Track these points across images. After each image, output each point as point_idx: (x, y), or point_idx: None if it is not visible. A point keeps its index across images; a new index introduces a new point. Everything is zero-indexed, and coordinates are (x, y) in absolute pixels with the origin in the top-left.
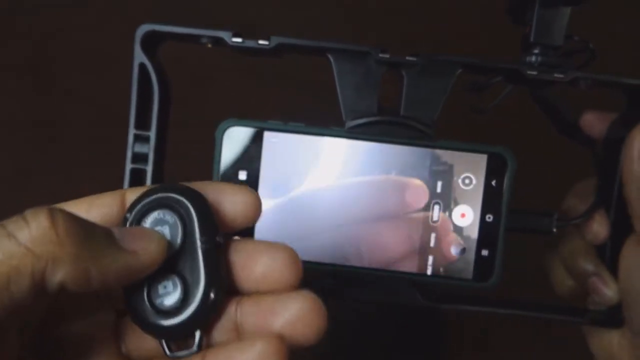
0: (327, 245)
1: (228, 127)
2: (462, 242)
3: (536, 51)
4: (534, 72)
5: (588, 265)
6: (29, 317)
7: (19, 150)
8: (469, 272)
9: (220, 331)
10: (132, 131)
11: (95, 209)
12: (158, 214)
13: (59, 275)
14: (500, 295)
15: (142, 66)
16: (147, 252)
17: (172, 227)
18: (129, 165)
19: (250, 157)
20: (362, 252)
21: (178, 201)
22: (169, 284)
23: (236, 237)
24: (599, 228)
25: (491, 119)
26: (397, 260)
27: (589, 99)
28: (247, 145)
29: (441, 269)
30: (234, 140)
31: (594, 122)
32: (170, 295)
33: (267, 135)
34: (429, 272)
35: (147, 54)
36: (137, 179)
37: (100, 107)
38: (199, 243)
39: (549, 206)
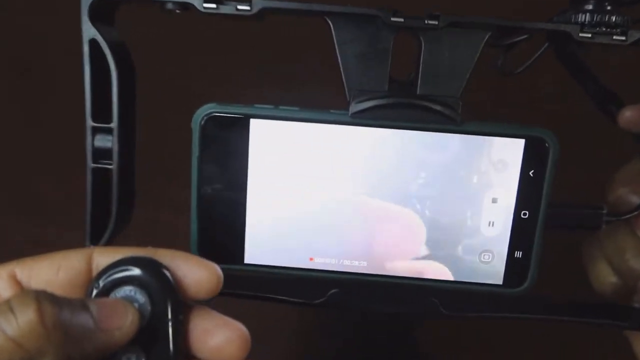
0: (330, 251)
1: (207, 113)
2: (491, 243)
3: (589, 7)
4: (588, 35)
5: (639, 265)
6: None
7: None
8: (498, 277)
9: None
10: (89, 123)
11: (63, 271)
12: (129, 291)
13: None
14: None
15: (93, 43)
16: (121, 330)
17: (142, 306)
18: (90, 165)
19: (236, 149)
20: (373, 258)
21: (149, 281)
22: (133, 357)
23: (195, 306)
24: None
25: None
26: (415, 264)
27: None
28: (231, 136)
29: (466, 275)
30: (214, 129)
31: (638, 118)
32: None
33: (255, 123)
34: (452, 278)
35: (99, 27)
36: (103, 179)
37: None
38: (165, 321)
39: (583, 193)
